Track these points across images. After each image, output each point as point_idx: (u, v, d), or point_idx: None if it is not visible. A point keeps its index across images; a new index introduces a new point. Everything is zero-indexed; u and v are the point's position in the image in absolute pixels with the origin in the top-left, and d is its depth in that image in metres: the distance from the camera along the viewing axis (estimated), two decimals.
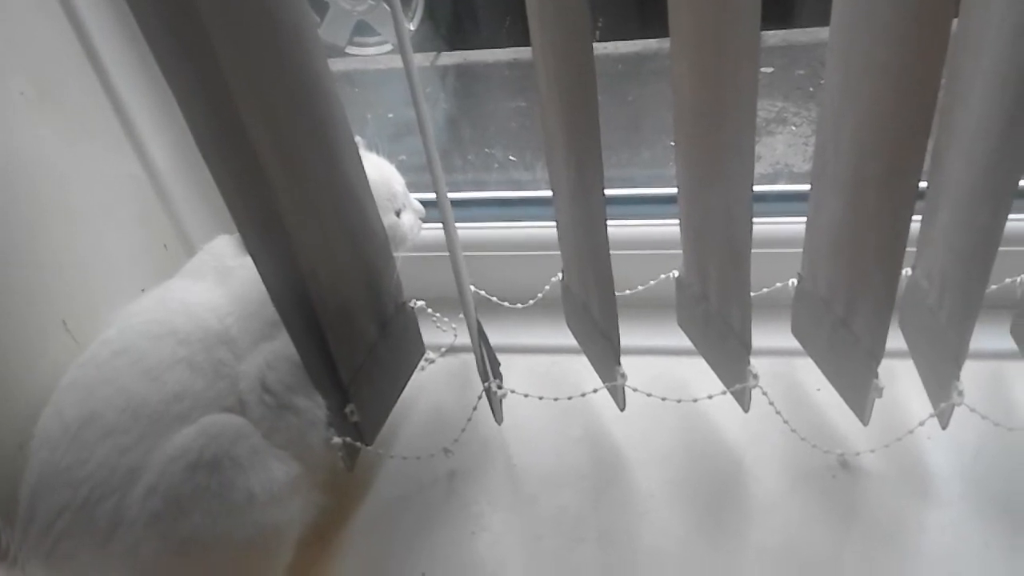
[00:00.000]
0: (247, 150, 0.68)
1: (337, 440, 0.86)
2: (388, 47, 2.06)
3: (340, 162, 0.81)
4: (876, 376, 0.81)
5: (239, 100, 0.66)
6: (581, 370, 0.98)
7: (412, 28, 2.07)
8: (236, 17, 0.64)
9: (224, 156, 0.69)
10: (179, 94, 0.66)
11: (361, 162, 0.84)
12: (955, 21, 0.69)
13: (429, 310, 1.01)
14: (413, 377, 1.01)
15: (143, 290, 0.87)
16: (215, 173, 0.69)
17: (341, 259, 0.84)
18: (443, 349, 1.13)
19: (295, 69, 0.73)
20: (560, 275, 0.98)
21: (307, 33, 0.73)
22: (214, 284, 0.86)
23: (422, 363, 1.07)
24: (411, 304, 0.98)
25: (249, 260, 0.75)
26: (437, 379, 1.10)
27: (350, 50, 2.06)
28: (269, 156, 0.70)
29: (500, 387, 0.94)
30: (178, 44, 0.63)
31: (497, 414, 0.97)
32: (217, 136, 0.68)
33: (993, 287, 0.93)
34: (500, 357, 0.99)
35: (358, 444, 0.90)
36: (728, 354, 0.89)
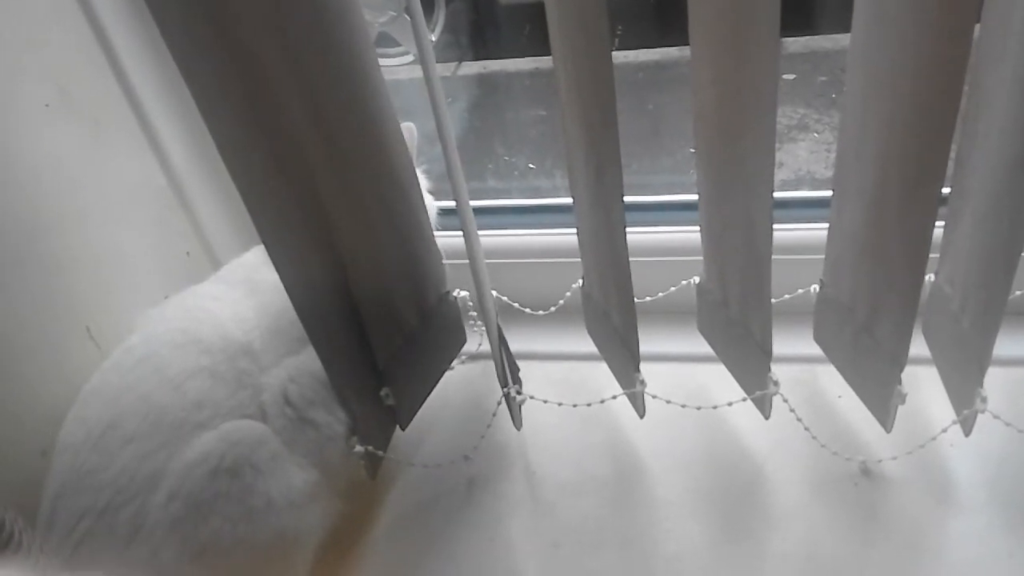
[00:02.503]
0: (284, 134, 0.69)
1: (360, 449, 0.87)
2: (410, 58, 2.07)
3: (385, 148, 0.81)
4: (899, 382, 0.80)
5: (277, 84, 0.67)
6: (601, 377, 0.98)
7: (433, 38, 2.08)
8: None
9: (250, 146, 0.70)
10: (196, 85, 0.65)
11: (407, 148, 0.84)
12: (977, 27, 0.69)
13: (471, 303, 1.00)
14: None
15: (166, 296, 0.87)
16: (237, 167, 0.69)
17: (382, 245, 0.84)
18: (463, 357, 1.13)
19: (339, 51, 0.73)
20: (580, 282, 0.98)
21: (352, 16, 0.73)
22: (243, 295, 0.87)
23: None
24: (454, 294, 0.98)
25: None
26: (457, 385, 1.10)
27: None
28: (310, 140, 0.70)
29: (519, 393, 0.94)
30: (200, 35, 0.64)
31: (516, 420, 0.96)
32: (245, 127, 0.68)
33: (1017, 293, 0.93)
34: (520, 363, 0.99)
35: (380, 453, 0.90)
36: (749, 361, 0.89)
